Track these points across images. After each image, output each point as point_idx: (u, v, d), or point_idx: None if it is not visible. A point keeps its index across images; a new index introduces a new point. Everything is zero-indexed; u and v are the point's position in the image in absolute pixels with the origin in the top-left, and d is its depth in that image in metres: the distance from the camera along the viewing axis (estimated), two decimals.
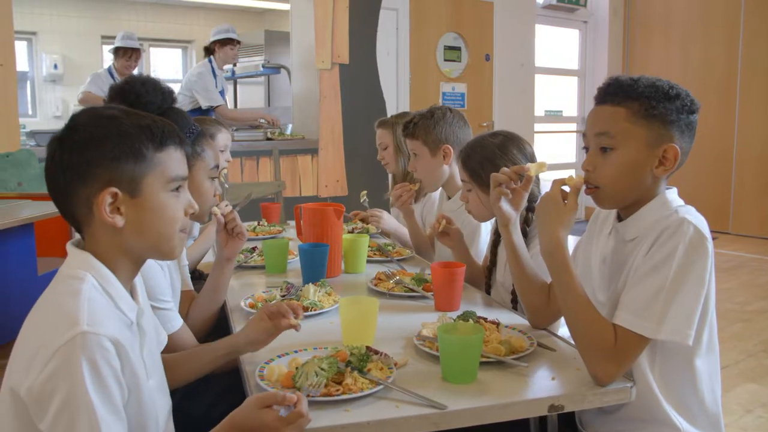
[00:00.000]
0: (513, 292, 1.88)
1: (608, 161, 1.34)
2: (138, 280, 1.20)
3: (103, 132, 1.06)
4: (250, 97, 7.38)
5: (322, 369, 1.22)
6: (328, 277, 2.09)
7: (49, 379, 0.92)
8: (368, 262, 2.30)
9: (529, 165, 1.57)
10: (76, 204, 1.07)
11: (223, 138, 2.67)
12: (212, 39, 5.27)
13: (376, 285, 1.94)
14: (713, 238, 1.28)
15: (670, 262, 1.24)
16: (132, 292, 1.15)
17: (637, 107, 1.31)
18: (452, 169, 2.41)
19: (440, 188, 2.56)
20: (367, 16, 5.66)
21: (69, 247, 1.10)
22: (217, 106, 5.15)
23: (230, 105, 6.92)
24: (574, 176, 1.41)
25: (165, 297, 1.56)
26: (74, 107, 4.48)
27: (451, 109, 2.44)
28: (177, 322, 1.59)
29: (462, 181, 2.00)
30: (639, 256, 1.31)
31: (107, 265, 1.08)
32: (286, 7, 5.80)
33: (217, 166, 1.76)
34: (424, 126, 2.38)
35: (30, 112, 7.49)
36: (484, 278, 2.08)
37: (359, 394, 1.19)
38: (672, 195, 1.36)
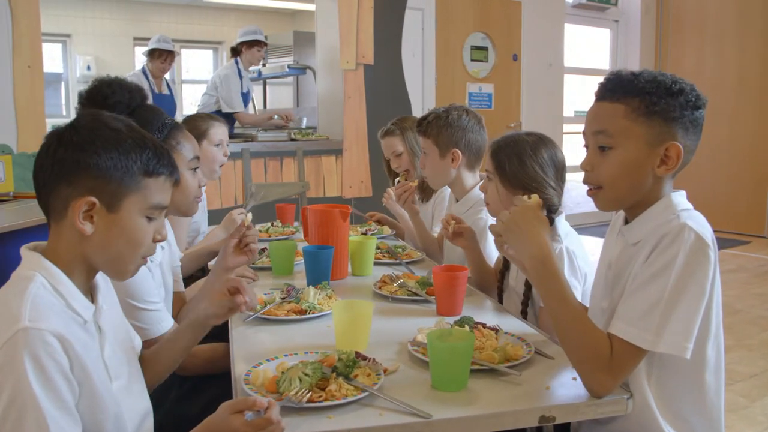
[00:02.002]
0: (524, 300, 1.83)
1: (607, 161, 1.29)
2: (102, 280, 1.21)
3: (102, 141, 1.08)
4: (279, 97, 7.43)
5: (306, 375, 1.20)
6: (334, 280, 2.07)
7: None
8: (377, 264, 2.28)
9: (524, 198, 1.53)
10: (54, 199, 1.08)
11: (218, 133, 2.68)
12: (239, 40, 5.31)
13: (380, 288, 1.92)
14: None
15: (669, 270, 1.18)
16: (92, 292, 1.15)
17: (637, 104, 1.25)
18: (460, 172, 2.37)
19: (449, 190, 2.53)
20: (392, 17, 5.63)
21: (23, 250, 1.11)
22: (236, 113, 5.19)
23: (260, 105, 6.99)
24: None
25: (153, 298, 1.55)
26: None
27: (469, 111, 2.39)
28: (167, 323, 1.58)
29: (486, 170, 1.96)
30: (638, 262, 1.25)
31: (63, 265, 1.09)
32: (313, 7, 5.81)
33: (197, 158, 1.74)
34: (437, 126, 2.34)
35: (64, 113, 7.65)
36: (496, 282, 2.04)
37: (342, 401, 1.17)
38: (678, 198, 1.29)
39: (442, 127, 2.33)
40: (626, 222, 1.35)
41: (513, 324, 1.66)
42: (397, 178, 2.80)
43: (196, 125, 2.62)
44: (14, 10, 3.96)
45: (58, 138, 1.08)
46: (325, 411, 1.15)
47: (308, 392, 1.16)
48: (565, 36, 7.06)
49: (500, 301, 2.00)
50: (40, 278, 1.04)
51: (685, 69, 7.40)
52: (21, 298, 0.99)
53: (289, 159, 5.16)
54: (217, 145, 2.69)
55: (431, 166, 2.39)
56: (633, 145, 1.26)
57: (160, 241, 1.19)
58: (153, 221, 1.16)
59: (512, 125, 6.61)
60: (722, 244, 6.52)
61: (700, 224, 1.23)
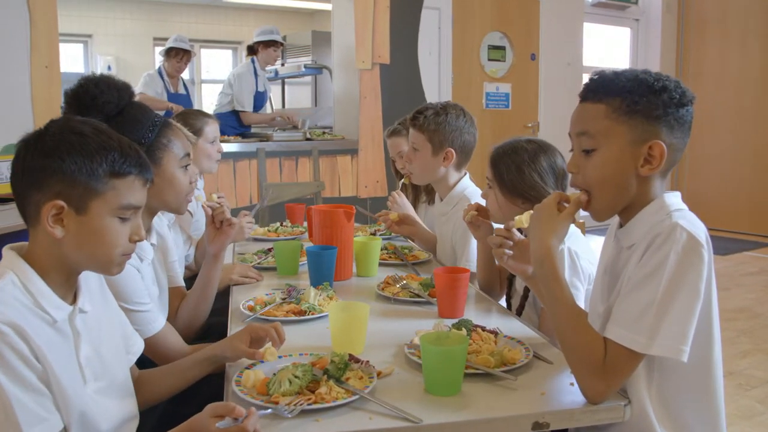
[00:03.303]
0: (522, 301, 1.81)
1: (590, 163, 1.26)
2: (94, 284, 1.24)
3: (66, 146, 1.10)
4: (298, 97, 7.44)
5: (296, 377, 1.19)
6: (338, 280, 2.06)
7: None
8: (383, 265, 2.27)
9: (516, 217, 1.51)
10: (28, 205, 1.11)
11: (212, 130, 2.71)
12: (255, 39, 5.33)
13: (382, 289, 1.90)
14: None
15: (662, 271, 1.15)
16: (75, 295, 1.16)
17: (618, 103, 1.22)
18: (447, 170, 2.35)
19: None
20: (408, 16, 5.61)
21: (5, 249, 1.14)
22: (242, 112, 5.21)
23: (278, 105, 7.01)
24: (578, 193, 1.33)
25: (141, 299, 1.55)
26: None
27: (465, 111, 2.37)
28: (157, 324, 1.58)
29: (486, 177, 1.93)
30: (632, 264, 1.22)
31: (38, 266, 1.11)
32: (330, 7, 5.81)
33: (189, 155, 1.73)
34: (435, 122, 2.31)
35: None
36: (505, 286, 2.01)
37: (332, 404, 1.15)
38: (672, 198, 1.26)
39: (439, 125, 2.31)
40: (621, 226, 1.32)
41: (515, 327, 1.63)
42: (402, 180, 2.79)
43: (190, 123, 2.63)
44: (32, 11, 4.00)
45: (26, 145, 1.11)
46: (314, 414, 1.14)
47: (303, 403, 1.14)
48: (585, 35, 6.98)
49: (509, 306, 1.97)
50: (11, 276, 1.08)
51: (708, 68, 7.29)
52: None
53: (304, 159, 5.16)
54: (212, 142, 2.71)
55: (421, 162, 2.37)
56: (615, 145, 1.23)
57: (138, 241, 1.19)
58: (126, 221, 1.16)
59: (530, 125, 6.55)
60: (744, 246, 6.41)
61: (693, 223, 1.20)
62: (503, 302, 2.01)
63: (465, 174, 2.41)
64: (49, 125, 1.13)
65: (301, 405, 1.13)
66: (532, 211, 1.36)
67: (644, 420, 1.22)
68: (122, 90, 1.62)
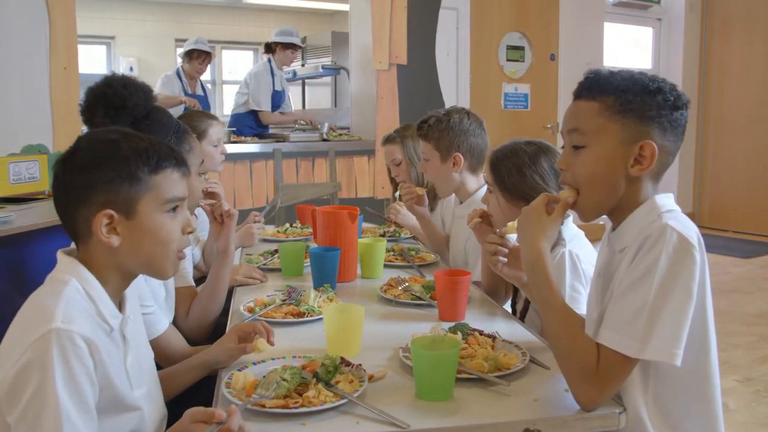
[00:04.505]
0: (525, 304, 1.79)
1: (579, 160, 1.24)
2: (131, 292, 1.24)
3: (100, 156, 1.12)
4: (318, 97, 7.45)
5: (284, 379, 1.18)
6: (342, 282, 2.06)
7: (21, 372, 0.96)
8: (389, 267, 2.26)
9: (509, 223, 1.48)
10: (77, 222, 1.12)
11: (216, 132, 2.69)
12: (273, 39, 5.34)
13: (385, 292, 1.89)
14: None
15: (653, 273, 1.13)
16: (120, 303, 1.18)
17: (611, 102, 1.20)
18: (463, 176, 2.33)
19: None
20: (426, 16, 5.59)
21: (59, 254, 1.15)
22: (260, 111, 5.22)
23: (298, 105, 7.03)
24: (566, 191, 1.31)
25: (146, 302, 1.55)
26: None
27: (470, 113, 2.35)
28: (161, 326, 1.58)
29: (486, 182, 1.92)
30: (623, 267, 1.20)
31: (97, 273, 1.12)
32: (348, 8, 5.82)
33: (203, 162, 1.74)
34: (437, 129, 2.30)
35: None
36: (510, 290, 1.99)
37: (319, 408, 1.15)
38: (663, 200, 1.23)
39: (443, 131, 2.29)
40: (613, 229, 1.30)
41: (516, 331, 1.61)
42: (397, 193, 2.78)
43: (195, 125, 2.63)
44: (51, 13, 4.05)
45: (62, 165, 1.13)
46: (301, 417, 1.14)
47: (284, 395, 1.15)
48: (606, 35, 6.90)
49: (513, 311, 1.95)
50: (75, 283, 1.09)
51: (732, 69, 7.16)
52: (56, 300, 1.04)
53: (320, 159, 5.17)
54: (215, 145, 2.69)
55: (433, 171, 2.36)
56: (606, 143, 1.21)
57: (190, 232, 1.21)
58: (176, 215, 1.18)
59: (549, 126, 6.49)
60: None
61: (684, 224, 1.17)
62: (508, 306, 1.99)
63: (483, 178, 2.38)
64: (78, 141, 1.15)
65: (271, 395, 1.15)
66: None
67: (640, 427, 1.20)
68: (147, 92, 1.65)
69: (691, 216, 7.55)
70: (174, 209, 1.17)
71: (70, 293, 1.06)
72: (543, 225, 1.28)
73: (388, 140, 2.99)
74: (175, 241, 1.17)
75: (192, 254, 2.36)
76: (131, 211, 1.12)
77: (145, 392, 1.19)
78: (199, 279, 2.32)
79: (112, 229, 1.11)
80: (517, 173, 1.78)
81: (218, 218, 1.88)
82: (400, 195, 2.69)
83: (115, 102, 1.56)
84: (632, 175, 1.21)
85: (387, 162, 3.02)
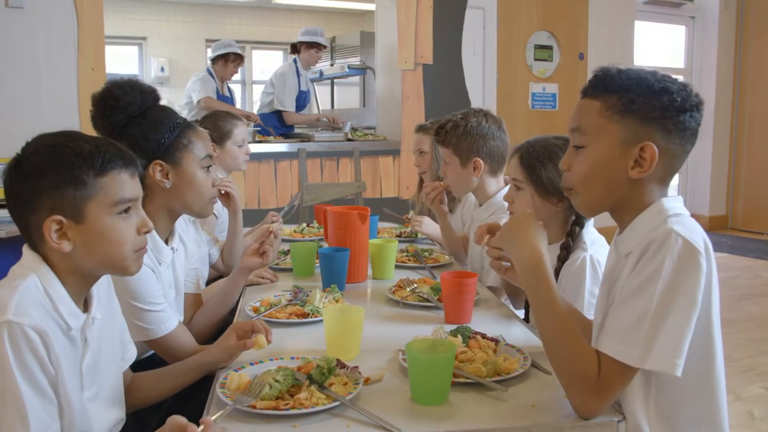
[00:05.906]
0: (527, 307, 1.76)
1: (578, 160, 1.21)
2: (104, 292, 1.25)
3: (44, 162, 1.11)
4: (347, 97, 7.46)
5: (277, 381, 1.18)
6: (352, 283, 2.05)
7: None
8: (401, 267, 2.24)
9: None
10: (29, 228, 1.12)
11: (240, 132, 2.74)
12: (299, 39, 5.36)
13: (393, 293, 1.88)
14: None
15: (656, 279, 1.08)
16: (86, 303, 1.18)
17: (614, 101, 1.17)
18: (483, 179, 2.29)
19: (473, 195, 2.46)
20: (452, 16, 5.56)
21: (24, 248, 1.15)
22: (284, 111, 5.24)
23: (327, 105, 7.06)
24: None
25: (156, 299, 1.56)
26: (178, 107, 4.65)
27: (488, 115, 2.30)
28: (170, 324, 1.59)
29: (512, 179, 1.87)
30: (626, 273, 1.16)
31: (58, 272, 1.12)
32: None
33: (210, 156, 1.74)
34: (455, 134, 2.25)
35: None
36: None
37: (310, 410, 1.14)
38: (670, 203, 1.19)
39: (461, 136, 2.25)
40: (620, 233, 1.26)
41: (523, 335, 1.58)
42: (411, 213, 2.82)
43: (219, 126, 2.67)
44: (80, 14, 4.12)
45: (8, 174, 1.12)
46: (291, 420, 1.13)
47: (276, 397, 1.14)
48: (637, 34, 6.78)
49: (527, 314, 1.91)
50: (34, 278, 1.09)
51: None
52: (11, 293, 1.04)
53: (345, 159, 5.17)
54: (240, 145, 2.74)
55: (453, 175, 2.31)
56: (605, 144, 1.18)
57: (146, 232, 1.20)
58: (129, 215, 1.17)
59: None
60: None
61: (690, 229, 1.13)
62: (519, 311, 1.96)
63: (504, 183, 2.34)
64: (24, 148, 1.14)
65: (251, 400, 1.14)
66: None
67: None
68: (147, 93, 1.66)
69: (725, 219, 7.43)
70: (127, 210, 1.16)
71: (27, 287, 1.06)
72: (539, 230, 1.25)
73: (421, 129, 2.98)
74: (129, 242, 1.16)
75: (209, 255, 2.38)
76: (79, 215, 1.11)
77: (93, 394, 1.18)
78: (215, 279, 2.34)
79: (62, 235, 1.10)
80: (554, 169, 1.73)
81: (259, 250, 1.88)
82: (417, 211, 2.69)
83: (109, 101, 1.58)
84: (632, 177, 1.17)
85: (413, 149, 3.02)
